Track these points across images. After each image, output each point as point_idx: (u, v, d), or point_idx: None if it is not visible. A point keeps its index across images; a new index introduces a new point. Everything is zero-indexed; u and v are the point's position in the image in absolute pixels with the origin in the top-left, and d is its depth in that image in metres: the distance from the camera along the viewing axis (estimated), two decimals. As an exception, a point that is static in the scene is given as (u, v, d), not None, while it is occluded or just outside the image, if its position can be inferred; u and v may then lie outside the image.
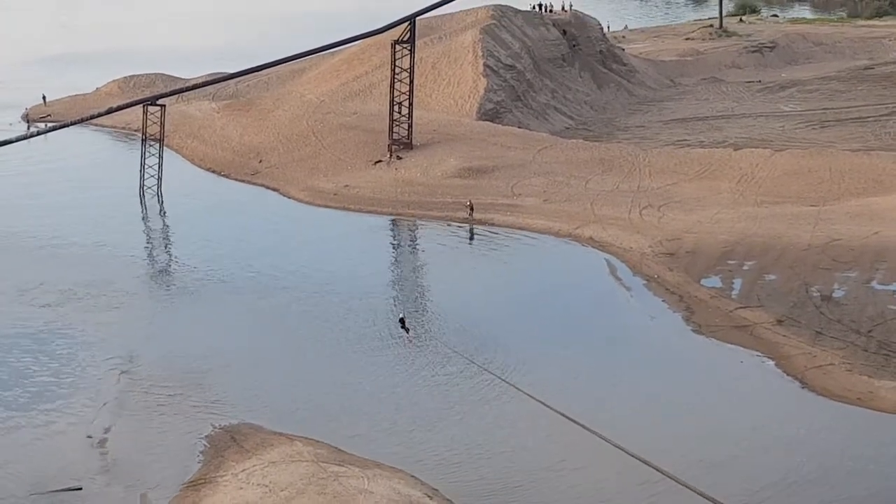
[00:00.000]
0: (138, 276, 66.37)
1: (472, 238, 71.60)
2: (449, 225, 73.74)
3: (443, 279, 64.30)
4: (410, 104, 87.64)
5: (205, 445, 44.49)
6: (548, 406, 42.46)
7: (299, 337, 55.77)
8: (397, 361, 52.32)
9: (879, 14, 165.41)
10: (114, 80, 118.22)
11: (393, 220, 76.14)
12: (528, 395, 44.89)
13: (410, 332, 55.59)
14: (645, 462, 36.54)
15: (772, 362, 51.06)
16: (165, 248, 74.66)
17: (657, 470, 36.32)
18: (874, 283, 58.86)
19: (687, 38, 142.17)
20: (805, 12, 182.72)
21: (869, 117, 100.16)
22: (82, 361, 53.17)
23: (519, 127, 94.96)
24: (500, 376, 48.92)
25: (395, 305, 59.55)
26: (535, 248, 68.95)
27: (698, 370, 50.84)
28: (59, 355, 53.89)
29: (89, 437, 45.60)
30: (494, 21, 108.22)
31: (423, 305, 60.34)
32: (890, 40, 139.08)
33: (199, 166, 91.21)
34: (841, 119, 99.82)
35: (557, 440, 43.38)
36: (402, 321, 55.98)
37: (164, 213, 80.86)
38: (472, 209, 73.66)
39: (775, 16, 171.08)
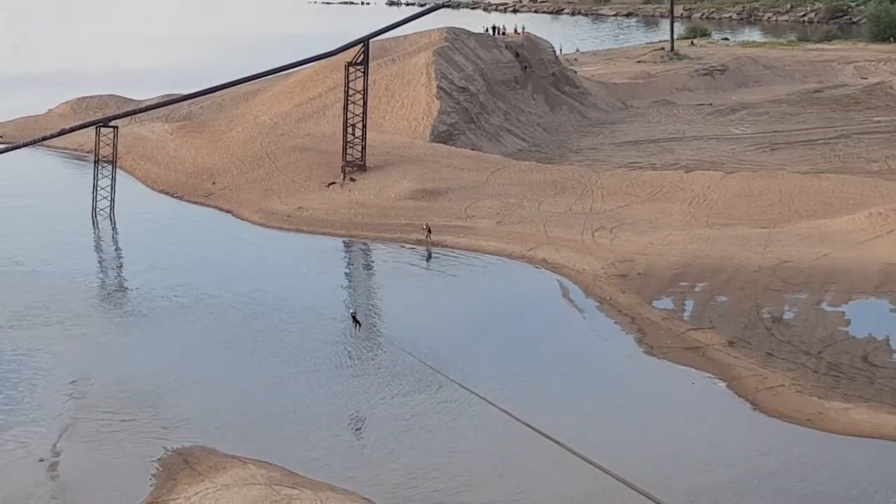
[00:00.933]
0: (90, 299, 66.02)
1: (429, 259, 71.71)
2: (403, 247, 73.84)
3: (395, 302, 64.35)
4: (364, 126, 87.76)
5: (157, 468, 44.34)
6: (515, 418, 42.59)
7: (253, 359, 55.67)
8: (353, 383, 52.32)
9: (829, 38, 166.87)
10: (66, 102, 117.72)
11: (346, 242, 76.16)
12: (498, 406, 45.01)
13: (361, 326, 58.26)
14: (605, 470, 36.75)
15: (723, 384, 51.40)
16: (118, 270, 74.37)
17: (615, 477, 36.51)
18: (824, 305, 59.38)
19: (638, 61, 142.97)
20: (755, 36, 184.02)
21: (818, 140, 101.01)
22: (33, 384, 52.84)
23: (472, 149, 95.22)
24: (468, 387, 49.05)
25: (350, 328, 59.56)
26: (487, 270, 69.12)
27: (650, 392, 51.08)
28: (10, 378, 53.53)
29: (41, 460, 45.37)
30: (448, 43, 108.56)
31: (376, 327, 60.37)
32: (839, 64, 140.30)
33: (153, 188, 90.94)
34: (791, 142, 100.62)
35: (516, 461, 43.53)
36: (353, 316, 59.34)
37: (117, 235, 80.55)
38: (429, 231, 73.79)
39: (726, 39, 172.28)
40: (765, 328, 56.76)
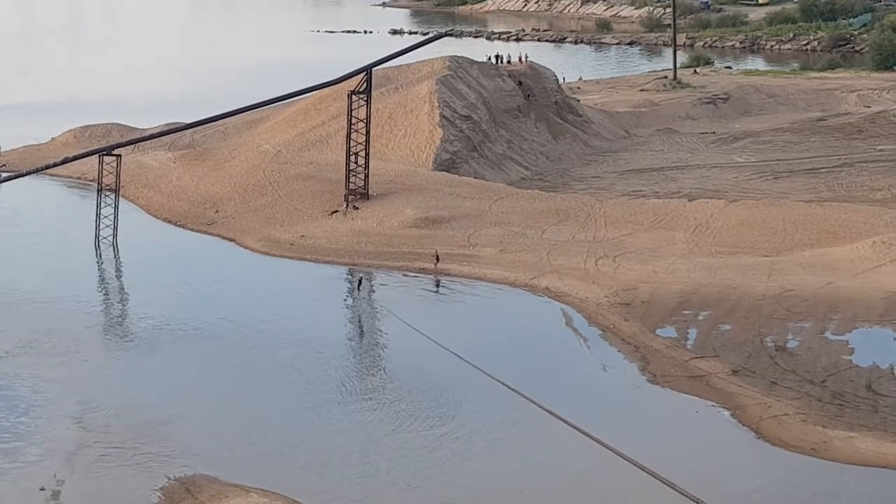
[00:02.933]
0: (93, 326, 66.04)
1: (437, 287, 71.71)
2: (405, 275, 73.77)
3: (399, 330, 64.27)
4: (367, 154, 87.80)
5: (159, 497, 44.26)
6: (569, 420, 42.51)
7: (257, 387, 55.62)
8: (360, 414, 52.27)
9: (832, 67, 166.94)
10: (69, 130, 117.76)
11: (349, 270, 76.09)
12: (536, 402, 44.90)
13: (362, 287, 67.46)
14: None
15: (727, 412, 51.30)
16: (121, 298, 74.42)
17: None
18: (828, 334, 59.29)
19: (642, 90, 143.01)
20: (758, 64, 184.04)
21: (822, 168, 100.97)
22: (36, 411, 52.86)
23: (475, 177, 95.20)
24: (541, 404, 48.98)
25: (353, 356, 59.61)
26: (491, 298, 69.06)
27: (653, 420, 50.97)
28: (14, 404, 53.52)
29: (42, 489, 45.28)
30: (450, 72, 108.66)
31: (380, 356, 60.36)
32: (842, 92, 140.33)
33: (155, 216, 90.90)
34: (794, 170, 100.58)
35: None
36: (360, 281, 69.46)
37: (120, 263, 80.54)
38: (437, 259, 73.81)
39: (729, 67, 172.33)
40: (769, 357, 56.66)
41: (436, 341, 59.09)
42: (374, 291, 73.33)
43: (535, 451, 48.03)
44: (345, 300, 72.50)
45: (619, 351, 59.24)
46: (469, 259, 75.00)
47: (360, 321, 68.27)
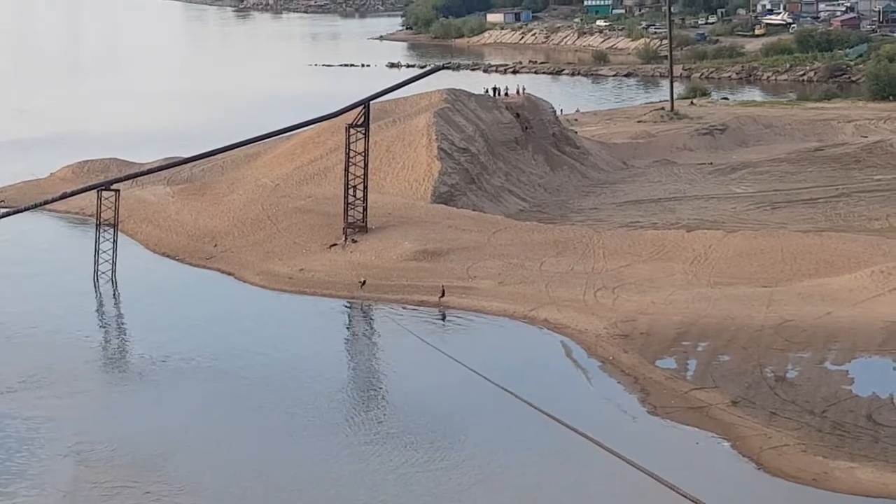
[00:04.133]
0: (93, 361, 66.14)
1: (444, 319, 71.79)
2: (405, 308, 73.79)
3: (398, 363, 64.32)
4: (365, 187, 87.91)
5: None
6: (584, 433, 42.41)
7: (257, 422, 55.59)
8: (361, 449, 52.27)
9: (828, 97, 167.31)
10: (68, 166, 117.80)
11: (349, 304, 76.13)
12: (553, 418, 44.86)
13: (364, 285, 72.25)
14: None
15: (727, 443, 51.30)
16: (119, 333, 74.46)
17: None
18: (827, 364, 59.30)
19: (639, 121, 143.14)
20: (755, 95, 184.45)
21: (819, 199, 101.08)
22: (36, 446, 52.85)
23: (473, 209, 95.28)
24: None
25: (354, 390, 59.67)
26: (490, 330, 69.08)
27: (654, 452, 50.91)
28: (14, 439, 53.51)
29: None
30: (448, 104, 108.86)
31: (380, 390, 60.38)
32: (839, 122, 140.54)
33: (154, 251, 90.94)
34: (792, 200, 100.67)
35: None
36: (363, 283, 74.05)
37: (119, 298, 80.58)
38: (443, 293, 73.89)
39: (726, 98, 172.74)
40: (768, 387, 56.67)
41: (474, 370, 59.23)
42: (374, 325, 73.42)
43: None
44: (344, 333, 72.55)
45: (618, 382, 59.24)
46: (468, 291, 75.02)
47: (359, 357, 68.24)
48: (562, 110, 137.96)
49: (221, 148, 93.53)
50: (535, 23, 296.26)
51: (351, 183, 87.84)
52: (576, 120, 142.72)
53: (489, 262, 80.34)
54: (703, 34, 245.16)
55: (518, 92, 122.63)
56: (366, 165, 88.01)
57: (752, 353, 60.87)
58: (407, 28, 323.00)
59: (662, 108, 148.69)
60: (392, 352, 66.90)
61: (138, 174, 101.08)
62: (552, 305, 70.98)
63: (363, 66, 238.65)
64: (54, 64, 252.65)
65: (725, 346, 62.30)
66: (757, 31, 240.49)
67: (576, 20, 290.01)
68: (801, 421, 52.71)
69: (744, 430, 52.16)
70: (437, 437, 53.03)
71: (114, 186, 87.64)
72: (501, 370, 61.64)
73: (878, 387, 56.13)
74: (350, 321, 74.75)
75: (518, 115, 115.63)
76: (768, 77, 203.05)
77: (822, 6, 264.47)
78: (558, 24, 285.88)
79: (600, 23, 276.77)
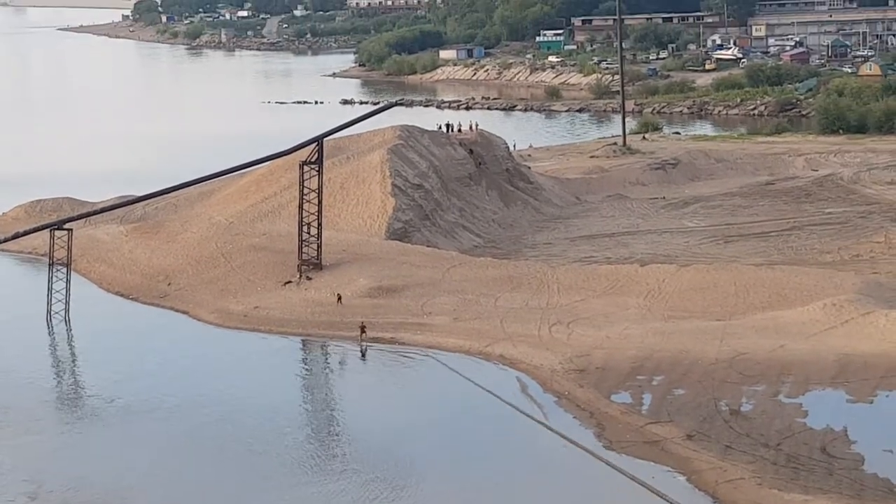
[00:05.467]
0: (47, 402, 65.78)
1: (363, 356, 71.75)
2: (360, 345, 73.77)
3: (352, 402, 64.28)
4: (319, 224, 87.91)
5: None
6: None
7: (211, 462, 55.37)
8: (322, 485, 52.14)
9: (779, 131, 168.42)
10: (20, 205, 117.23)
11: (303, 341, 75.99)
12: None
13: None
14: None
15: (683, 477, 51.44)
16: (73, 373, 74.04)
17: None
18: (781, 397, 59.65)
19: (592, 156, 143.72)
20: (707, 129, 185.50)
21: (771, 232, 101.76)
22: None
23: (428, 245, 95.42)
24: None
25: (309, 426, 59.49)
26: (445, 367, 69.05)
27: (608, 487, 51.04)
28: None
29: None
30: (401, 141, 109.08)
31: (333, 429, 60.26)
32: (790, 156, 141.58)
33: (108, 290, 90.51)
34: (744, 234, 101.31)
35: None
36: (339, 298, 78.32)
37: (72, 338, 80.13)
38: (363, 330, 73.83)
39: (677, 133, 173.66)
40: (723, 421, 56.91)
41: (497, 395, 59.05)
42: (328, 363, 73.32)
43: None
44: (298, 371, 72.42)
45: (574, 417, 59.36)
46: (423, 328, 75.05)
47: (312, 397, 68.16)
48: (515, 146, 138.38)
49: (175, 186, 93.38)
50: (488, 59, 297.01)
51: (305, 220, 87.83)
52: (529, 155, 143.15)
53: (444, 298, 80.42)
54: (655, 69, 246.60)
55: (471, 128, 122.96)
56: (320, 202, 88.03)
57: (706, 387, 61.14)
58: (360, 65, 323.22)
59: (615, 143, 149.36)
60: (343, 391, 66.96)
61: (91, 213, 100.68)
62: (507, 341, 71.09)
63: (317, 103, 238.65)
64: (3, 106, 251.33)
65: (680, 379, 62.55)
66: (707, 66, 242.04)
67: (528, 56, 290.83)
68: (755, 454, 52.94)
69: (699, 463, 52.36)
70: (395, 474, 52.97)
71: (66, 226, 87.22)
72: (456, 407, 61.75)
73: (831, 419, 56.46)
74: (305, 358, 74.60)
75: (471, 151, 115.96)
76: (719, 111, 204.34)
77: (771, 41, 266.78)
78: (511, 61, 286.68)
79: (552, 58, 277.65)
